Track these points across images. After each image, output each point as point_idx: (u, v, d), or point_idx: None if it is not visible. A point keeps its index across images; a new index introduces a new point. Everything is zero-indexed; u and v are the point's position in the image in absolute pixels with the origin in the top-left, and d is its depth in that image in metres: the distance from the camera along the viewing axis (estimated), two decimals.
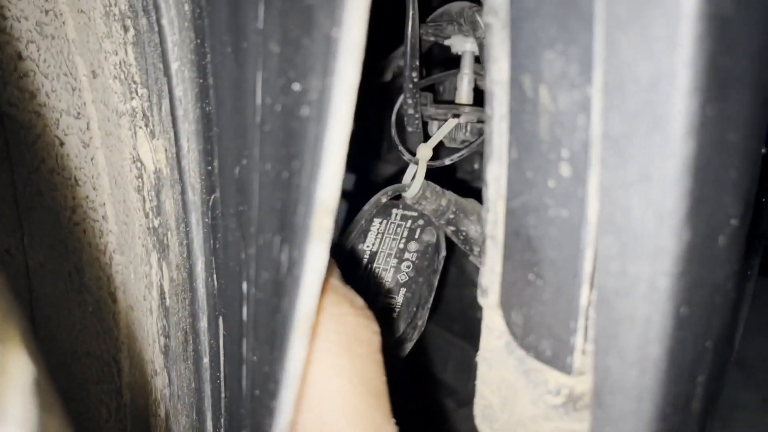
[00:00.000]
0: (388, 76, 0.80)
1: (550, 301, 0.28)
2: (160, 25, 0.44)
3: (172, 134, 0.46)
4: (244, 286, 0.34)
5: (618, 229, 0.24)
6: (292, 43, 0.27)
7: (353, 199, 1.03)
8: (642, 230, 0.23)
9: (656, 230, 0.22)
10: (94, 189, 0.68)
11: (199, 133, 0.43)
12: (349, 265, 0.56)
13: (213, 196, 0.41)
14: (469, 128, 0.64)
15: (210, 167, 0.41)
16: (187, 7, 0.40)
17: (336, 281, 0.36)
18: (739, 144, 0.24)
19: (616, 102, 0.23)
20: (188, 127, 0.44)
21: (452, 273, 0.98)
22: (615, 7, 0.21)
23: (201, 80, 0.40)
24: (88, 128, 0.66)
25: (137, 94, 0.51)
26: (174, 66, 0.44)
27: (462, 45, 0.66)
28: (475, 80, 0.64)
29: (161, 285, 0.55)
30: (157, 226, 0.54)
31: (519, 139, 0.28)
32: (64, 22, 0.61)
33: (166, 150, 0.49)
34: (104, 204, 0.69)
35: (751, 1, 0.22)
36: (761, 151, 0.28)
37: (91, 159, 0.67)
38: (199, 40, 0.39)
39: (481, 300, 0.32)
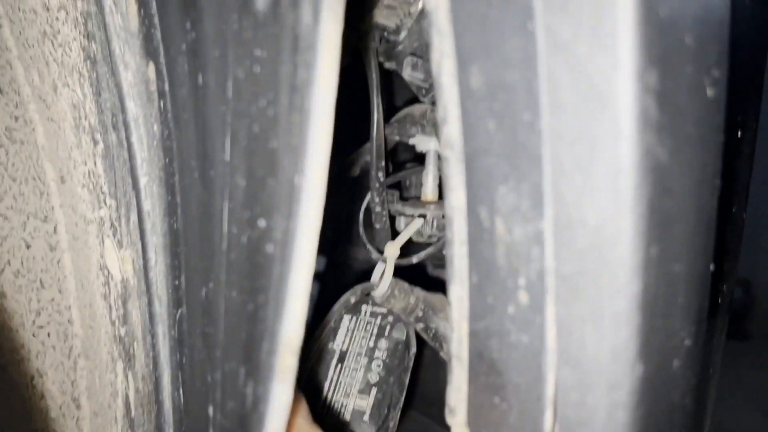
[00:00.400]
0: (356, 171, 0.82)
1: (516, 425, 0.28)
2: (129, 143, 0.45)
3: (139, 246, 0.47)
4: (210, 409, 0.33)
5: (575, 360, 0.24)
6: (257, 180, 0.28)
7: (324, 280, 1.04)
8: (597, 363, 0.23)
9: (611, 364, 0.23)
10: (59, 292, 0.67)
11: (166, 248, 0.43)
12: (319, 367, 0.55)
13: (180, 311, 0.41)
14: (435, 223, 0.65)
15: (177, 282, 0.41)
16: (156, 128, 0.42)
17: (302, 420, 0.36)
18: (684, 272, 0.26)
19: (565, 240, 0.24)
20: (156, 240, 0.45)
21: (428, 355, 0.97)
22: (560, 154, 0.23)
23: (169, 197, 0.41)
24: (55, 232, 0.66)
25: (105, 204, 0.51)
26: (143, 181, 0.44)
27: (426, 144, 0.68)
28: (440, 176, 0.66)
29: (127, 395, 0.54)
30: (123, 335, 0.53)
31: (478, 265, 0.29)
32: (33, 129, 0.62)
33: (133, 261, 0.49)
34: (70, 307, 0.68)
35: (684, 148, 0.23)
36: (710, 268, 0.29)
37: (58, 262, 0.67)
38: (167, 160, 0.40)
39: (449, 419, 0.33)
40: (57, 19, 0.48)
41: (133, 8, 0.40)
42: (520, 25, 0.24)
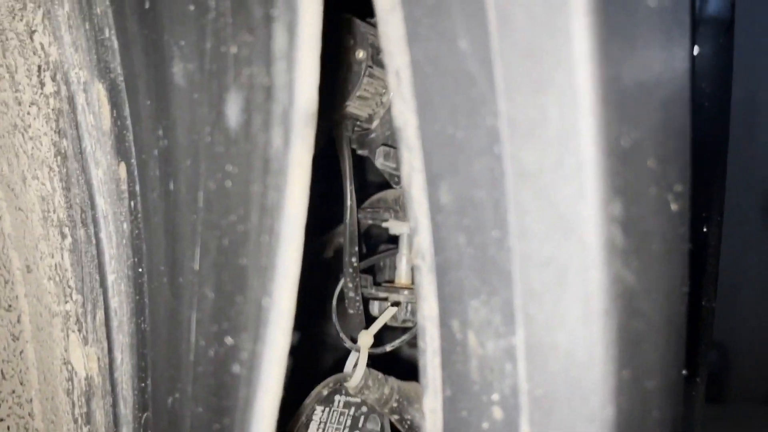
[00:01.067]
0: (330, 253, 0.82)
1: None
2: (98, 239, 0.44)
3: (105, 344, 0.45)
4: None
5: None
6: (225, 295, 0.27)
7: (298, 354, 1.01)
8: None
9: None
10: (21, 384, 0.65)
11: (133, 348, 0.42)
12: None
13: (146, 415, 0.39)
14: (409, 308, 0.65)
15: (143, 384, 0.40)
16: (125, 226, 0.41)
17: None
18: (657, 387, 0.25)
19: (537, 361, 0.24)
20: (122, 339, 0.43)
21: None
22: (529, 276, 0.23)
23: (137, 297, 0.40)
24: (18, 321, 0.64)
25: (71, 298, 0.50)
26: (110, 278, 0.44)
27: (399, 228, 0.68)
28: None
29: None
30: None
31: (452, 377, 0.29)
32: (0, 217, 0.61)
33: (98, 358, 0.48)
34: (31, 400, 0.65)
35: (651, 267, 0.24)
36: (682, 374, 0.29)
37: (20, 353, 0.65)
38: (136, 259, 0.40)
39: None
40: (28, 113, 0.48)
41: (106, 109, 0.40)
42: (486, 148, 0.24)
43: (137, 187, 0.38)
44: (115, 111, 0.40)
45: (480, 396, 0.27)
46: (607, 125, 0.21)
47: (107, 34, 0.38)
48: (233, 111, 0.29)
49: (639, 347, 0.23)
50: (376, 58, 0.56)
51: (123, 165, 0.40)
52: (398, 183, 0.62)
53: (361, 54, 0.56)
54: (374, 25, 0.58)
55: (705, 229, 0.44)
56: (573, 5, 0.21)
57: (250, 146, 0.26)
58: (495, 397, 0.26)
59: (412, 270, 0.66)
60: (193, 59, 0.31)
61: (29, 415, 0.64)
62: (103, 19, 0.38)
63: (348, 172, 0.63)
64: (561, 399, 0.23)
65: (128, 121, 0.38)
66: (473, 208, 0.25)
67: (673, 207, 0.26)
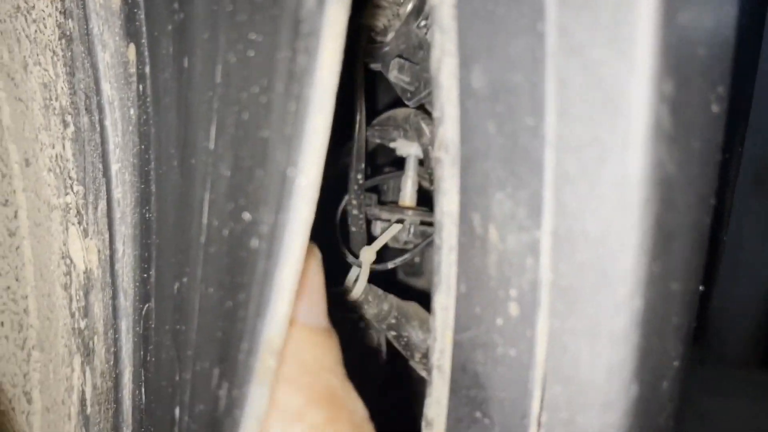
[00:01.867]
0: (332, 171, 0.81)
1: None
2: (102, 126, 0.42)
3: (107, 236, 0.45)
4: (177, 411, 0.31)
5: (566, 378, 0.23)
6: (244, 171, 0.26)
7: None
8: (590, 382, 0.23)
9: (605, 384, 0.22)
10: (17, 280, 0.65)
11: (136, 239, 0.41)
12: None
13: (147, 306, 0.39)
14: (412, 230, 0.64)
15: (146, 275, 0.39)
16: (132, 112, 0.40)
17: (336, 381, 0.32)
18: (680, 291, 0.25)
19: (564, 252, 0.23)
20: (125, 231, 0.43)
21: None
22: (564, 161, 0.22)
23: (143, 186, 0.39)
24: (15, 216, 0.63)
25: (72, 190, 0.49)
26: (114, 167, 0.42)
27: (407, 149, 0.67)
28: (419, 182, 0.65)
29: (83, 391, 0.52)
30: (83, 327, 0.51)
31: (467, 273, 0.28)
32: None
33: (99, 251, 0.47)
34: (27, 296, 0.65)
35: (690, 162, 0.23)
36: (699, 289, 0.28)
37: (17, 248, 0.64)
38: (143, 146, 0.38)
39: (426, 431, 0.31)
40: None
41: None
42: (529, 25, 0.23)
43: (147, 69, 0.36)
44: None
45: (497, 291, 0.26)
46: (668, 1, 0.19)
47: None
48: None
49: (670, 244, 0.23)
50: None
51: (132, 46, 0.38)
52: (410, 98, 0.61)
53: None
54: None
55: (727, 156, 0.43)
56: None
57: (278, 10, 0.25)
58: (513, 292, 0.26)
59: (418, 195, 0.65)
60: None
61: (24, 311, 0.64)
62: None
63: (359, 84, 0.62)
64: (586, 289, 0.22)
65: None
66: (507, 92, 0.24)
67: (714, 109, 0.25)
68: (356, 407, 0.32)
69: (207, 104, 0.29)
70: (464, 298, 0.28)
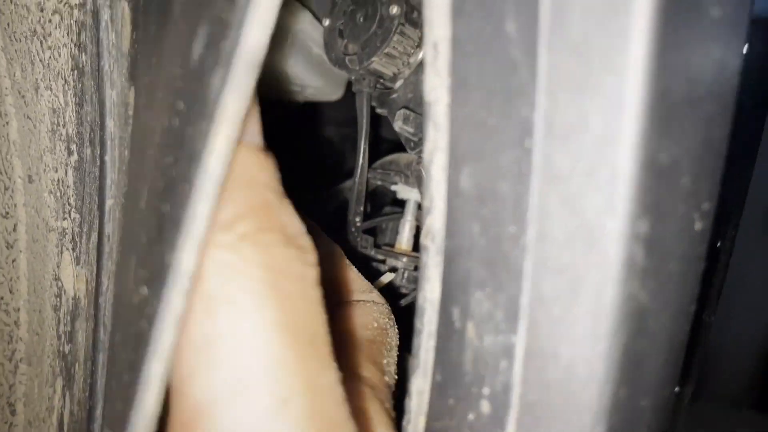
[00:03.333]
0: (330, 208, 0.81)
1: None
2: (102, 161, 0.43)
3: (95, 268, 0.45)
4: None
5: None
6: (150, 242, 0.27)
7: None
8: None
9: None
10: (10, 292, 0.65)
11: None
12: None
13: None
14: (406, 275, 0.65)
15: None
16: (126, 153, 0.40)
17: (271, 195, 0.30)
18: (651, 405, 0.25)
19: (535, 367, 0.23)
20: (110, 267, 0.43)
21: None
22: (541, 281, 0.22)
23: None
24: (14, 229, 0.64)
25: (70, 216, 0.50)
26: (108, 203, 0.43)
27: (407, 193, 0.67)
28: (417, 227, 0.65)
29: (62, 414, 0.52)
30: (67, 352, 0.51)
31: (444, 363, 0.28)
32: (7, 123, 0.60)
33: (87, 281, 0.47)
34: (18, 309, 0.66)
35: (665, 287, 0.23)
36: (675, 391, 0.29)
37: (13, 261, 0.65)
38: (127, 188, 0.39)
39: None
40: (50, 21, 0.47)
41: (128, 29, 0.39)
42: (518, 140, 0.23)
43: (136, 113, 0.37)
44: (135, 33, 0.38)
45: (470, 387, 0.27)
46: (650, 139, 0.20)
47: None
48: (198, 45, 0.27)
49: (640, 367, 0.23)
50: (409, 16, 0.54)
51: (132, 91, 0.39)
52: (413, 148, 0.61)
53: (394, 10, 0.54)
54: None
55: (719, 244, 0.43)
56: (635, 8, 0.19)
57: (197, 85, 0.25)
58: (486, 390, 0.26)
59: (415, 239, 0.65)
60: None
61: (15, 323, 0.64)
62: None
63: (364, 129, 0.62)
64: (553, 409, 0.22)
65: (140, 50, 0.37)
66: (493, 199, 0.25)
67: (697, 226, 0.25)
68: (291, 221, 0.30)
69: (148, 164, 0.30)
70: (439, 386, 0.29)
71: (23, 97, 0.57)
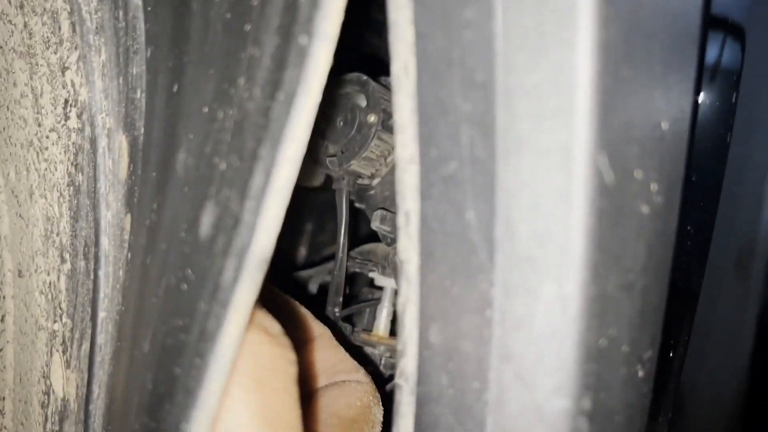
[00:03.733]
0: (313, 289, 0.84)
1: None
2: (96, 275, 0.46)
3: (86, 375, 0.47)
4: None
5: None
6: (158, 395, 0.30)
7: None
8: None
9: None
10: None
11: (109, 389, 0.44)
12: None
13: None
14: (383, 361, 0.67)
15: (110, 427, 0.41)
16: (121, 273, 0.43)
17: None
18: None
19: None
20: (102, 377, 0.45)
21: None
22: None
23: (119, 342, 0.42)
24: (2, 320, 0.65)
25: (61, 320, 0.52)
26: (101, 315, 0.45)
27: (384, 281, 0.70)
28: (394, 313, 0.68)
29: None
30: None
31: None
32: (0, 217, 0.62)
33: (77, 386, 0.49)
34: (4, 398, 0.66)
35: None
36: None
37: (0, 350, 0.66)
38: (123, 308, 0.42)
39: None
40: (47, 137, 0.50)
41: (125, 161, 0.42)
42: (479, 309, 0.26)
43: (132, 245, 0.40)
44: (132, 166, 0.42)
45: None
46: (589, 331, 0.23)
47: (138, 95, 0.40)
48: (206, 221, 0.31)
49: None
50: (386, 123, 0.58)
51: (129, 217, 0.42)
52: (390, 244, 0.64)
53: (372, 118, 0.58)
54: (387, 87, 0.60)
55: (671, 354, 0.46)
56: (577, 207, 0.23)
57: (209, 263, 0.29)
58: None
59: (392, 324, 0.68)
60: (194, 156, 0.33)
61: (0, 411, 0.65)
62: (137, 81, 0.40)
63: (344, 224, 0.65)
64: None
65: (138, 183, 0.40)
66: (458, 356, 0.28)
67: (641, 374, 0.29)
68: (271, 323, 0.35)
69: (151, 310, 0.33)
70: None
71: (16, 197, 0.59)
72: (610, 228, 0.22)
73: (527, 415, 0.24)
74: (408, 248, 0.30)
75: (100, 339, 0.45)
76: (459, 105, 0.24)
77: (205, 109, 0.33)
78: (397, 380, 0.32)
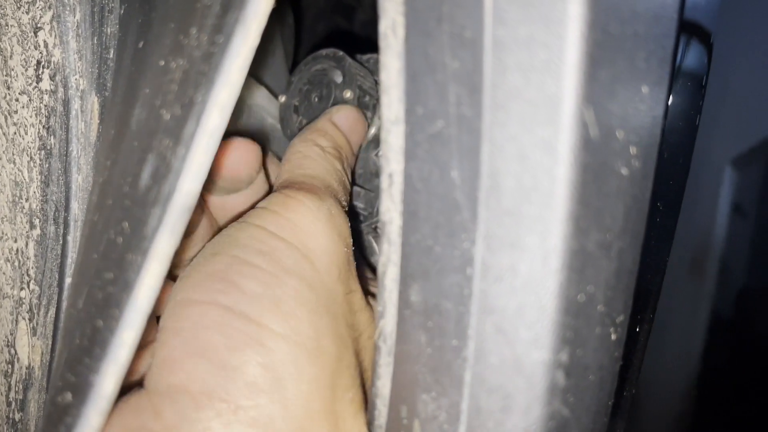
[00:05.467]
0: None
1: None
2: (65, 240, 0.45)
3: (50, 342, 0.46)
4: None
5: None
6: (79, 350, 0.30)
7: None
8: None
9: None
10: None
11: None
12: None
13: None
14: None
15: None
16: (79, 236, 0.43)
17: None
18: None
19: None
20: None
21: None
22: (477, 396, 0.26)
23: None
24: None
25: (28, 287, 0.51)
26: (68, 281, 0.45)
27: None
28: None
29: None
30: (17, 420, 0.52)
31: None
32: None
33: (42, 353, 0.49)
34: None
35: (584, 396, 0.27)
36: None
37: None
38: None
39: None
40: (17, 100, 0.48)
41: (96, 122, 0.41)
42: (460, 267, 0.27)
43: (87, 206, 0.40)
44: (100, 127, 0.41)
45: None
46: (569, 285, 0.24)
47: (111, 55, 0.39)
48: (146, 173, 0.30)
49: None
50: (361, 100, 0.58)
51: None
52: (363, 221, 0.64)
53: (348, 94, 0.58)
54: (363, 64, 0.60)
55: (637, 329, 0.47)
56: (562, 159, 0.24)
57: (141, 213, 0.29)
58: None
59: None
60: (146, 109, 0.33)
61: None
62: (111, 40, 0.39)
63: None
64: None
65: (99, 142, 0.40)
66: (438, 314, 0.28)
67: (613, 337, 0.29)
68: None
69: (90, 269, 0.32)
70: None
71: None
72: (592, 183, 0.23)
73: (506, 368, 0.25)
74: (390, 209, 0.30)
75: (66, 305, 0.45)
76: (448, 63, 0.25)
77: (161, 62, 0.32)
78: (377, 341, 0.32)
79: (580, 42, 0.21)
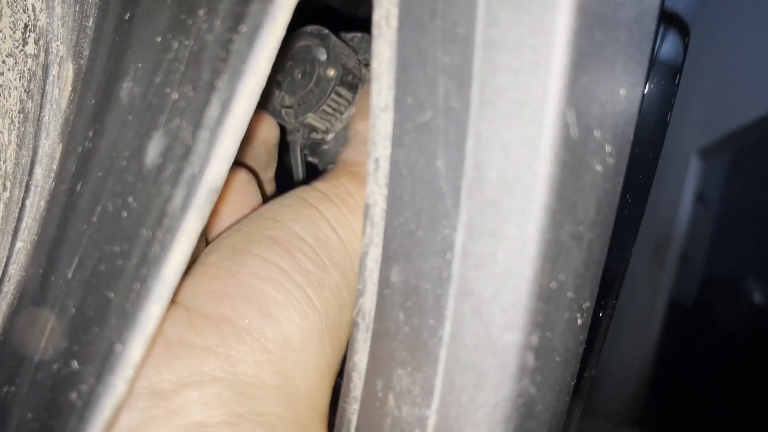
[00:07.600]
0: None
1: None
2: (23, 204, 0.45)
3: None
4: None
5: None
6: (85, 318, 0.31)
7: None
8: None
9: None
10: None
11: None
12: None
13: None
14: None
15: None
16: (43, 204, 0.43)
17: None
18: None
19: None
20: (4, 309, 0.44)
21: None
22: (452, 374, 0.27)
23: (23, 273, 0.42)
24: None
25: None
26: (18, 245, 0.45)
27: None
28: None
29: None
30: None
31: (365, 427, 0.33)
32: None
33: None
34: None
35: (550, 376, 0.29)
36: None
37: None
38: (37, 238, 0.42)
39: None
40: (3, 62, 0.48)
41: (68, 90, 0.42)
42: (440, 252, 0.28)
43: (58, 174, 0.40)
44: (73, 95, 0.41)
45: None
46: (542, 273, 0.25)
47: (90, 23, 0.40)
48: (153, 150, 0.31)
49: None
50: (344, 79, 0.59)
51: (60, 146, 0.42)
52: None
53: (331, 72, 0.59)
54: (347, 43, 0.61)
55: (600, 314, 0.50)
56: (543, 156, 0.25)
57: (154, 190, 0.29)
58: None
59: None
60: (142, 85, 0.34)
61: None
62: (91, 8, 0.39)
63: (301, 177, 0.66)
64: None
65: (74, 111, 0.40)
66: (417, 295, 0.29)
67: (579, 322, 0.31)
68: None
69: (79, 235, 0.33)
70: None
71: None
72: (569, 179, 0.25)
73: (480, 348, 0.26)
74: (375, 193, 0.31)
75: (11, 269, 0.45)
76: (438, 57, 0.26)
77: (158, 39, 0.33)
78: (355, 318, 0.34)
79: (566, 48, 0.22)
